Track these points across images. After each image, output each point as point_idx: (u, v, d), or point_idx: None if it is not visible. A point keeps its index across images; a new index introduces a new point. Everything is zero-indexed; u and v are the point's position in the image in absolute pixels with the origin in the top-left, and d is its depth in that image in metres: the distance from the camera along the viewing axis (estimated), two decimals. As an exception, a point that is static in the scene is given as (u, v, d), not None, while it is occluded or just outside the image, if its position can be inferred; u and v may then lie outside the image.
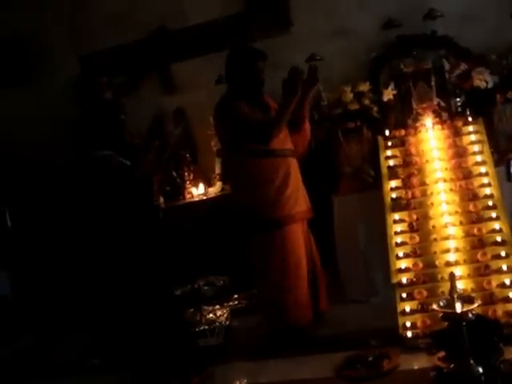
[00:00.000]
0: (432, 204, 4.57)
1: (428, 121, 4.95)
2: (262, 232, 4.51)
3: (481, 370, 3.32)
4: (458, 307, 3.31)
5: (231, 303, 5.57)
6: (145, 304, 4.05)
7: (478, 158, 4.68)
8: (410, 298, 4.21)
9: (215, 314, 5.27)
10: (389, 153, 4.93)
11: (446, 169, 4.69)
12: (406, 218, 4.56)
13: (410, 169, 4.80)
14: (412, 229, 4.51)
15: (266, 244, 4.52)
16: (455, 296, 3.33)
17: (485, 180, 4.57)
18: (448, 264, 4.25)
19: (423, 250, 4.40)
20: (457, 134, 4.86)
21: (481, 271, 4.18)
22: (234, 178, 4.76)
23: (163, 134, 4.11)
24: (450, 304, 3.34)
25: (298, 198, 4.59)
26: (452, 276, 3.39)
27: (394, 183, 4.77)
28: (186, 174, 6.14)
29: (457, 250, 4.31)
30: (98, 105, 4.09)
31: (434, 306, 3.46)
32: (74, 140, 4.30)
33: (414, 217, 4.56)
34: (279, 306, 4.56)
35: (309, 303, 4.62)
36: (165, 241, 4.32)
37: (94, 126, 4.04)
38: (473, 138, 4.81)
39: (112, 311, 4.37)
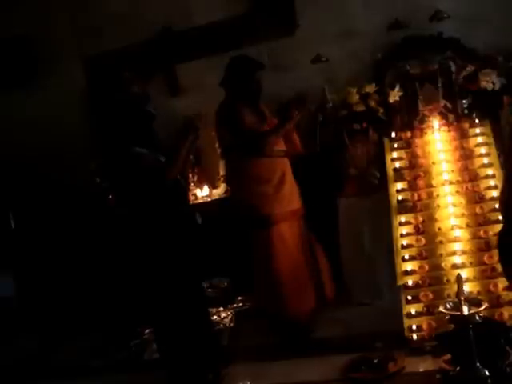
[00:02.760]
0: (438, 206, 4.55)
1: (434, 123, 4.94)
2: (259, 228, 4.60)
3: (487, 372, 3.30)
4: (465, 310, 3.28)
5: (235, 305, 5.55)
6: (176, 299, 4.04)
7: (485, 160, 4.67)
8: (416, 300, 4.21)
9: (219, 316, 5.27)
10: (395, 155, 4.93)
11: (453, 171, 4.68)
12: (412, 220, 4.55)
13: (416, 171, 4.78)
14: (418, 231, 4.49)
15: (262, 240, 4.60)
16: (462, 298, 3.31)
17: (491, 182, 4.55)
18: (454, 266, 4.24)
19: (429, 252, 4.39)
20: (463, 135, 4.85)
21: (487, 274, 4.17)
22: (234, 177, 4.88)
23: (196, 132, 4.13)
24: (457, 306, 3.32)
25: (292, 197, 4.70)
26: (459, 278, 3.36)
27: (399, 185, 4.75)
28: (190, 175, 6.11)
29: (463, 252, 4.30)
30: (126, 98, 4.06)
31: (441, 309, 3.44)
32: (106, 137, 4.30)
33: (420, 219, 4.54)
34: (276, 301, 4.60)
35: (307, 298, 4.65)
36: (198, 238, 4.30)
37: (124, 121, 4.01)
38: (479, 139, 4.79)
39: (147, 308, 4.33)
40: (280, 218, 4.61)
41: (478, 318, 3.29)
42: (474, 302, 3.38)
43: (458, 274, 3.38)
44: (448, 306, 3.39)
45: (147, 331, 5.13)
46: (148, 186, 3.90)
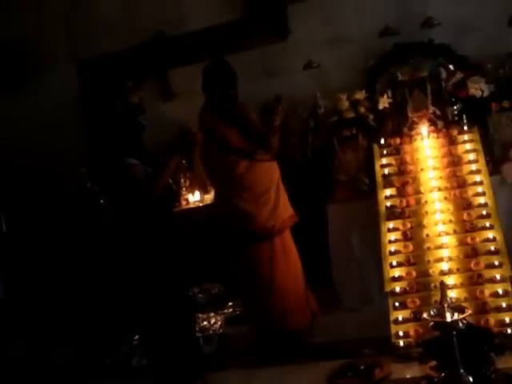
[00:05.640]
0: (426, 213, 4.57)
1: (423, 129, 4.96)
2: (253, 242, 4.52)
3: (471, 379, 3.31)
4: (449, 316, 3.30)
5: (226, 311, 5.53)
6: (160, 305, 4.02)
7: (473, 167, 4.68)
8: (403, 306, 4.22)
9: (209, 322, 5.25)
10: (384, 161, 4.94)
11: (441, 177, 4.70)
12: (400, 227, 4.57)
13: (404, 177, 4.80)
14: (406, 237, 4.51)
15: (255, 254, 4.53)
16: (446, 305, 3.32)
17: (479, 189, 4.57)
18: (441, 273, 4.26)
19: (417, 258, 4.41)
20: (452, 142, 4.87)
21: (474, 280, 4.18)
22: (221, 185, 4.69)
23: (188, 148, 3.92)
24: (441, 313, 3.33)
25: (286, 203, 4.60)
26: (443, 285, 3.38)
27: (388, 191, 4.77)
28: (182, 180, 6.12)
29: (450, 258, 4.32)
30: (125, 108, 4.03)
31: (425, 315, 3.45)
32: (97, 144, 4.26)
33: (408, 225, 4.56)
34: (272, 315, 4.56)
35: (305, 308, 4.62)
36: (181, 245, 4.28)
37: (118, 129, 3.98)
38: (468, 146, 4.81)
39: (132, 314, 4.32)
40: (281, 228, 4.52)
41: (461, 324, 3.30)
42: (457, 308, 3.39)
43: (442, 281, 3.40)
44: (432, 312, 3.40)
45: (136, 337, 5.11)
46: (135, 196, 3.87)
